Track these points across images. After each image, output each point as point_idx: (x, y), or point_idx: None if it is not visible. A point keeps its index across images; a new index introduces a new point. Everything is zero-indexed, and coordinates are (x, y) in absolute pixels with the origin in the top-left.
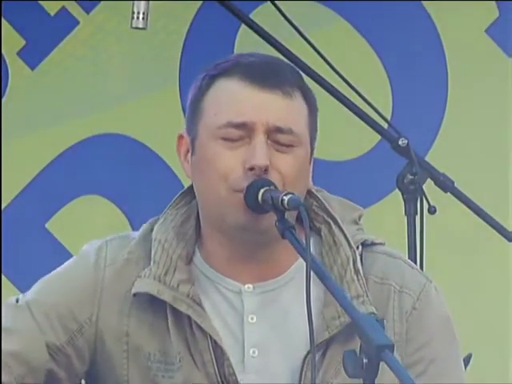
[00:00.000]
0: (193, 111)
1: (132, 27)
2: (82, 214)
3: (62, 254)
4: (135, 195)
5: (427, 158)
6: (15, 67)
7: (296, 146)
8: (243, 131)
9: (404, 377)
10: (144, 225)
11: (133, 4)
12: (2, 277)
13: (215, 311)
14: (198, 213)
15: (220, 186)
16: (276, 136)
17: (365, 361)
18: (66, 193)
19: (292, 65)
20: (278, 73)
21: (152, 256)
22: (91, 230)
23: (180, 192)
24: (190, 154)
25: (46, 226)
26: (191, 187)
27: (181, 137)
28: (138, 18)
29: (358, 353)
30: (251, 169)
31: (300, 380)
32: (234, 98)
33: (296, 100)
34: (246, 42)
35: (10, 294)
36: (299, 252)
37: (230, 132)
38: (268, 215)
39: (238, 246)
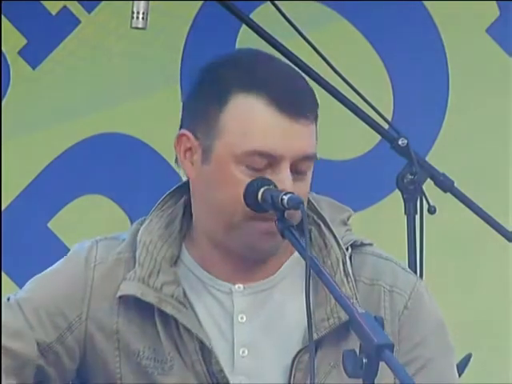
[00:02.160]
0: (206, 119)
1: (132, 27)
2: (84, 214)
3: (64, 254)
4: (137, 194)
5: (427, 158)
6: (16, 66)
7: (309, 170)
8: (268, 160)
9: (404, 377)
10: (131, 226)
11: (132, 4)
12: (5, 276)
13: (206, 311)
14: (184, 213)
15: (236, 208)
16: (299, 164)
17: (365, 361)
18: (67, 192)
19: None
20: (303, 97)
21: (137, 258)
22: (93, 230)
23: (165, 195)
24: (196, 158)
25: (48, 225)
26: (176, 189)
27: (183, 135)
28: (137, 17)
29: (357, 352)
30: None
31: (289, 380)
32: (260, 125)
33: (314, 123)
34: (246, 42)
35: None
36: (299, 251)
37: (255, 161)
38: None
39: (233, 253)
